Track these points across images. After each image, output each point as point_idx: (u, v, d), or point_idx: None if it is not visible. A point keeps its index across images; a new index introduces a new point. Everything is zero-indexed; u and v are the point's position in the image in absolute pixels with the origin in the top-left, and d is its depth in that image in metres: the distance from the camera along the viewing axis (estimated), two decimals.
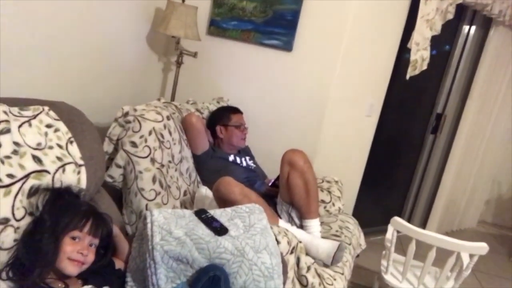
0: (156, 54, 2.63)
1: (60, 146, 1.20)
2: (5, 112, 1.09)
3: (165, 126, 1.85)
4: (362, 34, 2.41)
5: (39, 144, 1.13)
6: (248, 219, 1.37)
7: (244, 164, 2.24)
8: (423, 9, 2.53)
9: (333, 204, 2.21)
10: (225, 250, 1.25)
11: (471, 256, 1.95)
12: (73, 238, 1.10)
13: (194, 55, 2.50)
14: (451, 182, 3.41)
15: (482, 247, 1.89)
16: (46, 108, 1.26)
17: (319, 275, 1.61)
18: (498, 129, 3.55)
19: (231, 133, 2.24)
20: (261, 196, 1.80)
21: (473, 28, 3.15)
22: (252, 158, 2.37)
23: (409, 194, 3.52)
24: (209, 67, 2.65)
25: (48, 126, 1.21)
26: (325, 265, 1.72)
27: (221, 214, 1.39)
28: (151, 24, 2.48)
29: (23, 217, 1.09)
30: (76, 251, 1.09)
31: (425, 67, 2.68)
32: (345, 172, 2.60)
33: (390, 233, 2.05)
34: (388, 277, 2.13)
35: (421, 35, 2.60)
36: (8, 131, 1.07)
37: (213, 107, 2.42)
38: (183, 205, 1.93)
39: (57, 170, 1.15)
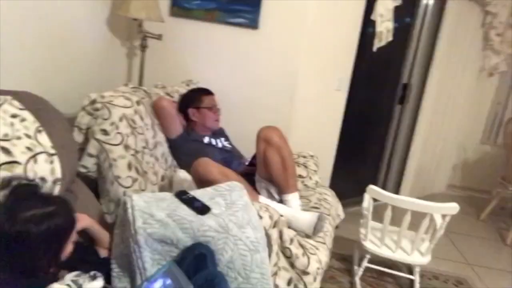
0: (118, 39, 2.54)
1: (28, 136, 1.15)
2: None
3: (135, 112, 1.81)
4: (326, 9, 2.41)
5: (5, 135, 1.08)
6: (229, 197, 1.38)
7: (220, 145, 2.23)
8: None
9: (310, 178, 2.24)
10: (209, 228, 1.25)
11: (443, 216, 2.04)
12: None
13: (159, 37, 2.43)
14: (420, 149, 3.53)
15: (453, 207, 1.98)
16: (9, 97, 1.20)
17: (302, 246, 1.64)
18: (461, 96, 3.69)
19: (204, 115, 2.21)
20: (240, 175, 1.81)
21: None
22: (227, 139, 2.35)
23: (381, 164, 3.61)
24: (175, 49, 2.59)
25: (13, 116, 1.15)
26: (307, 236, 1.75)
27: (202, 194, 1.39)
28: (110, 7, 2.38)
29: None
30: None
31: (390, 38, 2.74)
32: (319, 147, 2.64)
33: (367, 201, 2.11)
34: (367, 244, 2.19)
35: (384, 7, 2.65)
36: None
37: (183, 90, 2.37)
38: (162, 190, 1.90)
39: (28, 161, 1.10)
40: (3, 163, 1.02)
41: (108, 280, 1.20)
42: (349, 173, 3.32)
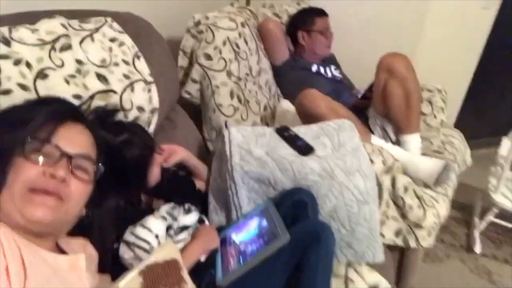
0: None
1: (126, 62, 1.09)
2: (63, 26, 0.99)
3: (240, 35, 1.68)
4: None
5: (103, 61, 1.03)
6: (337, 137, 1.21)
7: (329, 74, 2.01)
8: None
9: (435, 116, 1.92)
10: (311, 171, 1.11)
11: None
12: None
13: None
14: None
15: None
16: (109, 19, 1.14)
17: (418, 197, 1.42)
18: None
19: (314, 39, 2.00)
20: (350, 110, 1.60)
21: None
22: (338, 67, 2.12)
23: None
24: None
25: (112, 40, 1.10)
26: (426, 186, 1.52)
27: (305, 132, 1.24)
28: None
29: None
30: None
31: None
32: (448, 78, 2.24)
33: (506, 147, 1.76)
34: (497, 197, 1.90)
35: None
36: (69, 47, 0.97)
37: (293, 10, 2.16)
38: (264, 121, 1.82)
39: (125, 90, 1.05)
40: (98, 92, 0.98)
41: (205, 212, 1.17)
42: (481, 111, 2.88)
